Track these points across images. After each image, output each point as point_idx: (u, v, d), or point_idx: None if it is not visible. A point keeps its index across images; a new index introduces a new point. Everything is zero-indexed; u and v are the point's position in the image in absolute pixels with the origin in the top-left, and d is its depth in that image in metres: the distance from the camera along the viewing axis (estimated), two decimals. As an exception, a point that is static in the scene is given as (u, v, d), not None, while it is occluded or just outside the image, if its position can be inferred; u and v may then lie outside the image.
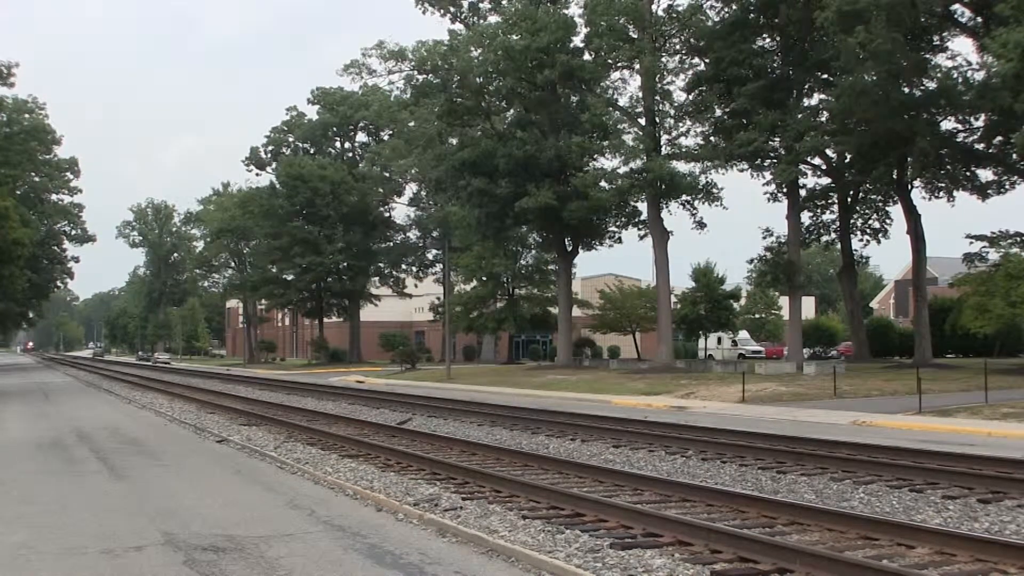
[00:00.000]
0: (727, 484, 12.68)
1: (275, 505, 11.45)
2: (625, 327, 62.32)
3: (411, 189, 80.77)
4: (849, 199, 46.19)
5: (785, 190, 43.45)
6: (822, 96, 42.87)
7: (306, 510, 11.01)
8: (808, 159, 42.32)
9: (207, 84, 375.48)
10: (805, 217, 46.44)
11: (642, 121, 45.00)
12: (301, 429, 20.53)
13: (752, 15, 42.10)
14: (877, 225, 46.98)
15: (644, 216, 48.57)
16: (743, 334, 69.57)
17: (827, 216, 47.83)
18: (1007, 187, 39.11)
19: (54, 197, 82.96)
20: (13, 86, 63.60)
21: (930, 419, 21.87)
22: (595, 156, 48.18)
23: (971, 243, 38.63)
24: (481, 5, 52.18)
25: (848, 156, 42.34)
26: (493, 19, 50.62)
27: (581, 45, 47.33)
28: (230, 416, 25.04)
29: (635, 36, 43.41)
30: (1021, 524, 10.03)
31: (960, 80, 34.37)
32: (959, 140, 38.19)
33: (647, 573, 7.89)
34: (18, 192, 66.38)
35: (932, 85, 35.46)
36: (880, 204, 46.83)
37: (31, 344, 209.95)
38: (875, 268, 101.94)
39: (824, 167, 44.92)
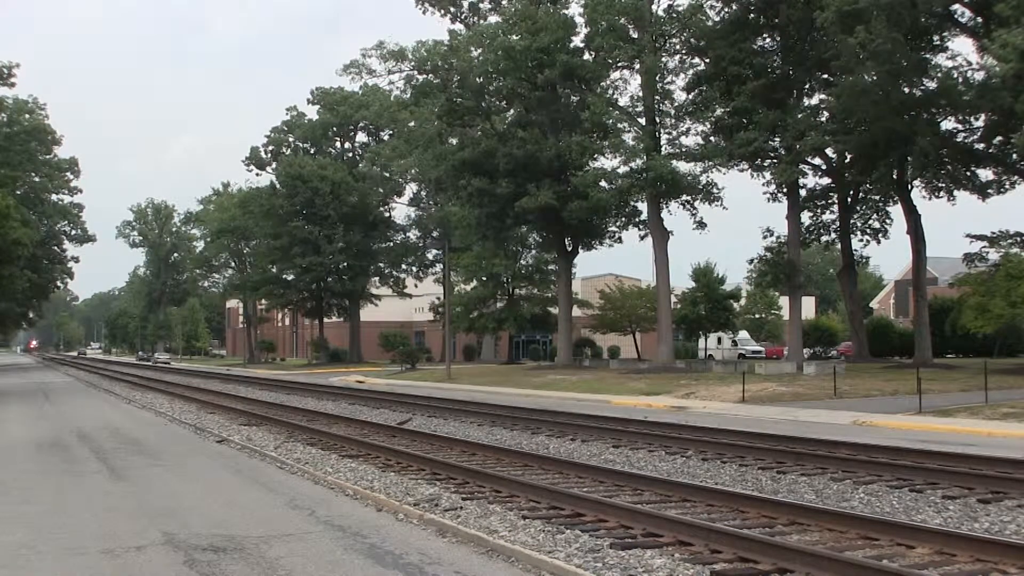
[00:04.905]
0: (727, 484, 12.69)
1: (275, 505, 11.45)
2: (625, 327, 62.30)
3: (411, 189, 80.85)
4: (849, 199, 46.16)
5: (785, 190, 43.44)
6: (822, 96, 42.86)
7: (306, 510, 11.01)
8: (808, 159, 42.33)
9: (207, 84, 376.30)
10: (805, 217, 46.43)
11: (642, 121, 44.97)
12: (301, 429, 20.54)
13: (752, 15, 42.15)
14: (877, 225, 46.96)
15: (644, 216, 48.56)
16: (743, 334, 69.57)
17: (827, 216, 47.83)
18: (1007, 187, 39.10)
19: (54, 197, 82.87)
20: (13, 86, 63.81)
21: (930, 419, 21.88)
22: (595, 156, 48.15)
23: (971, 243, 38.70)
24: (481, 5, 52.17)
25: (848, 156, 42.33)
26: (493, 19, 50.66)
27: (581, 45, 47.35)
28: (230, 416, 25.04)
29: (635, 36, 43.43)
30: (1021, 524, 10.03)
31: (960, 80, 34.32)
32: (959, 140, 38.16)
33: (647, 573, 7.89)
34: (18, 192, 66.29)
35: (932, 85, 35.43)
36: (880, 204, 46.79)
37: (34, 343, 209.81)
38: (875, 268, 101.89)
39: (824, 167, 44.92)
